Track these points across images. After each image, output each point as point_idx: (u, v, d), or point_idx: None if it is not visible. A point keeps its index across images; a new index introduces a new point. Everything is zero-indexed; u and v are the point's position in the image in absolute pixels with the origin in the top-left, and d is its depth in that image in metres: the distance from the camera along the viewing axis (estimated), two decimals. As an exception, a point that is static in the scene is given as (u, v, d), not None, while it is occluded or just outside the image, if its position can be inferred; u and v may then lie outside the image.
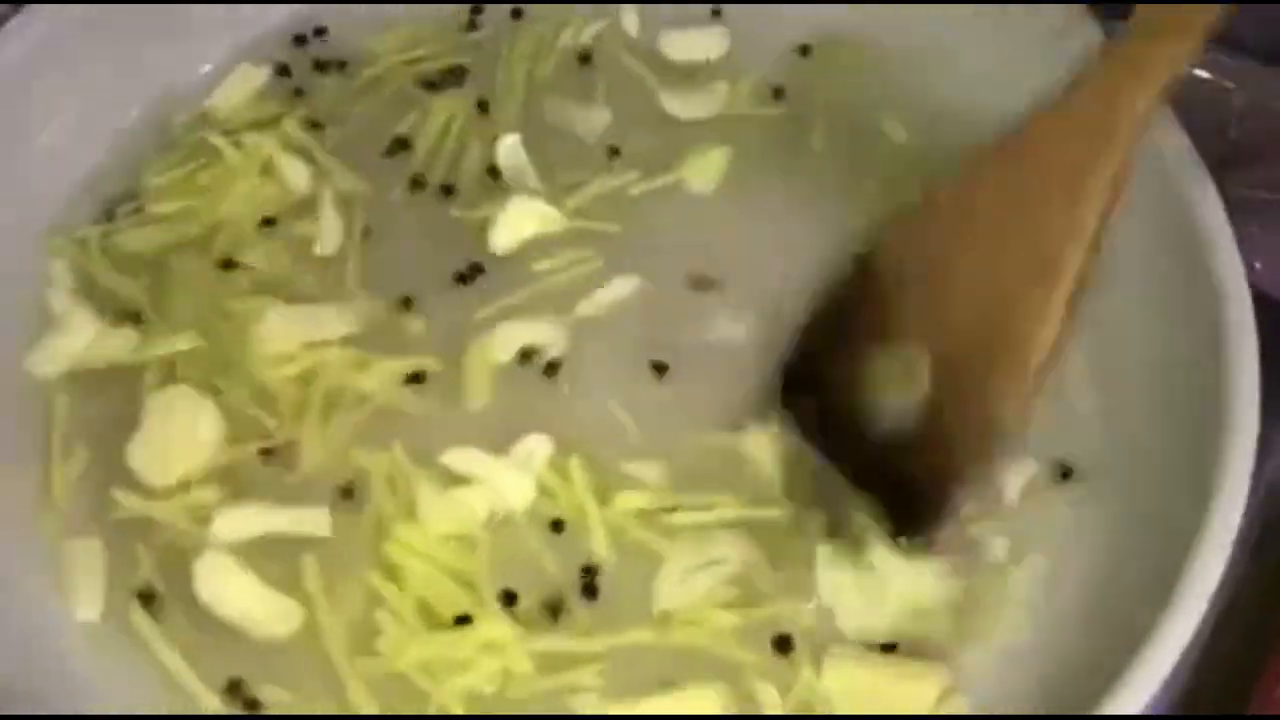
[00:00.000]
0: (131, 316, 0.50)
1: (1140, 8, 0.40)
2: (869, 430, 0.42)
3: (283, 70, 0.56)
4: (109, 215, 0.52)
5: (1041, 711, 0.41)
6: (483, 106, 0.55)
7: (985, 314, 0.38)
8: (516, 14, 0.58)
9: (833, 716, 0.42)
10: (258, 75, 0.56)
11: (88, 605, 0.44)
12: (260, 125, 0.54)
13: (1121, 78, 0.39)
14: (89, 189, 0.53)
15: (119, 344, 0.49)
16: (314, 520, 0.45)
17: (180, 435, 0.46)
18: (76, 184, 0.53)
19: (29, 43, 0.52)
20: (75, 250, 0.51)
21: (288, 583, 0.44)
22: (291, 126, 0.54)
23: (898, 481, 0.42)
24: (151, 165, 0.53)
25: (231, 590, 0.43)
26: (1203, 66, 0.53)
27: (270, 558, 0.44)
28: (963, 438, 0.40)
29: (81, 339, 0.49)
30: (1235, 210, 0.45)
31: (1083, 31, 0.50)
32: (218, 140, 0.53)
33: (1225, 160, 0.48)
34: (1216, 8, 0.38)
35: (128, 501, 0.45)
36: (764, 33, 0.57)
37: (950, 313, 0.39)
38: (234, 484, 0.46)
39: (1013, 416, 0.39)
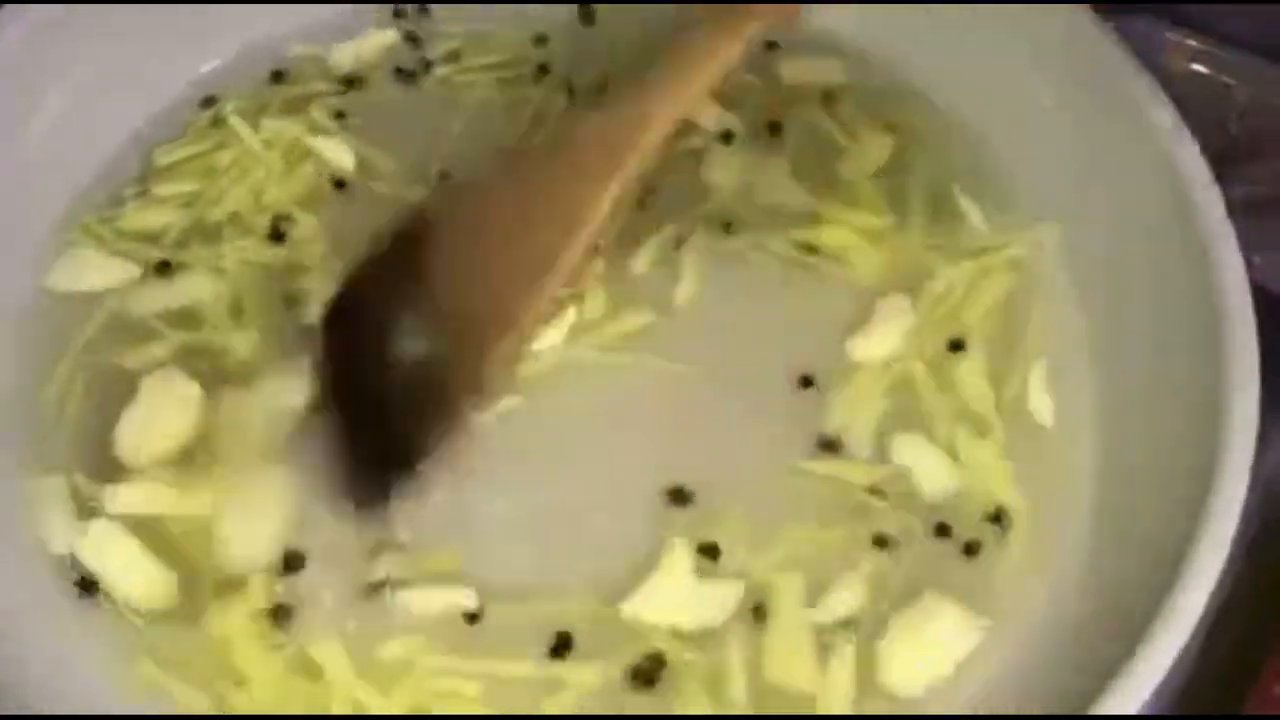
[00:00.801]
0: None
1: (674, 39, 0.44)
2: (384, 362, 0.45)
3: (410, 38, 0.56)
4: (118, 199, 0.52)
5: (1041, 711, 0.41)
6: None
7: (494, 283, 0.44)
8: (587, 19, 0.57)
9: (836, 716, 0.42)
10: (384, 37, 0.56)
11: (60, 538, 0.44)
12: (288, 111, 0.54)
13: (651, 103, 0.43)
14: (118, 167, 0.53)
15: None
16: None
17: (160, 421, 0.46)
18: (102, 164, 0.53)
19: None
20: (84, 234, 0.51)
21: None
22: (319, 113, 0.53)
23: (383, 428, 0.44)
24: (161, 147, 0.53)
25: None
26: (1203, 62, 0.53)
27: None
28: (451, 385, 0.44)
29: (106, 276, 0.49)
30: (1235, 205, 0.45)
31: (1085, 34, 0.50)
32: (237, 123, 0.53)
33: (1225, 156, 0.48)
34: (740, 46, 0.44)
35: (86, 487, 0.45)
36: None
37: (471, 273, 0.44)
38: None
39: (492, 370, 0.44)
